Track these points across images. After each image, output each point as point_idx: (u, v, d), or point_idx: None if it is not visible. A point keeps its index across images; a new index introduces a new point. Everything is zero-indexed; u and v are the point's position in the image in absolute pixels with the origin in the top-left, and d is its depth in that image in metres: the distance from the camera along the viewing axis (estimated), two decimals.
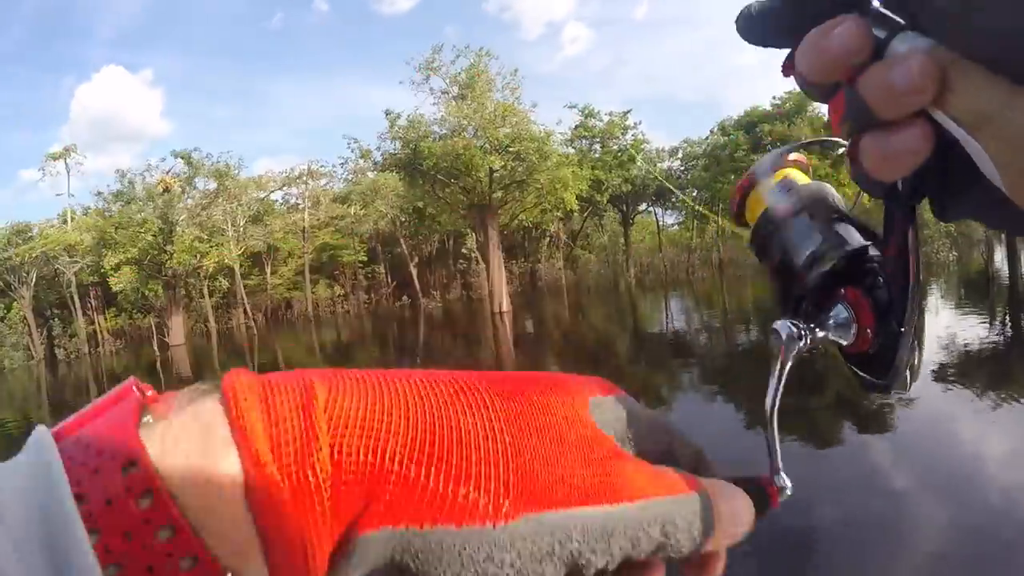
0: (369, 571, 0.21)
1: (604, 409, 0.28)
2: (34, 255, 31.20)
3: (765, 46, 0.31)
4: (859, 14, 0.25)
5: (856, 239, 0.35)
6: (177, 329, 31.12)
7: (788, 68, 0.28)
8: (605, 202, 34.71)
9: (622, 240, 42.69)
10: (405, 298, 40.79)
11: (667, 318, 20.10)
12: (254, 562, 0.20)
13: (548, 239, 43.48)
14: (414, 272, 40.07)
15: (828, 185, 0.39)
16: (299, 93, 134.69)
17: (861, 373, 0.35)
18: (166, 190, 30.50)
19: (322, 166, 39.17)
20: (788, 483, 0.31)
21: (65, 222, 34.51)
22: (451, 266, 44.21)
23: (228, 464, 0.20)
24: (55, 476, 0.19)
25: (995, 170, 0.23)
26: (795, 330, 0.33)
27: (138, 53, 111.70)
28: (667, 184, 22.91)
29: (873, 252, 0.35)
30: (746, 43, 0.29)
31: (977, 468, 4.62)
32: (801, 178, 0.40)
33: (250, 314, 35.85)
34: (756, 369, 9.53)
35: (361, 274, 42.77)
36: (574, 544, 0.23)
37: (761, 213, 0.39)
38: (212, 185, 32.83)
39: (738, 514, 0.28)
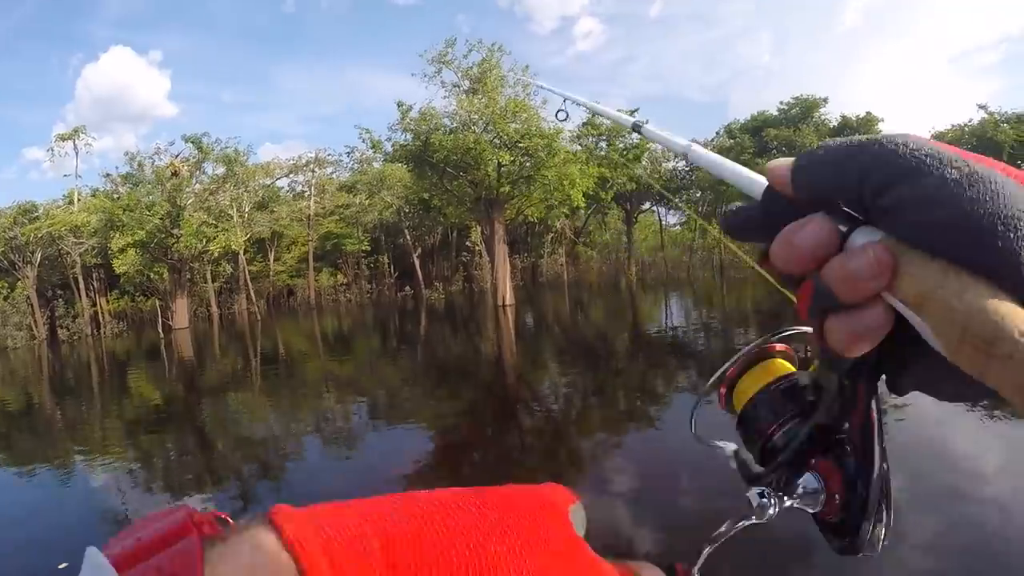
0: None
1: (577, 519, 0.32)
2: (40, 235, 31.34)
3: (746, 242, 0.36)
4: (825, 212, 0.30)
5: (827, 415, 0.38)
6: (181, 312, 31.30)
7: (764, 261, 0.32)
8: (610, 200, 34.90)
9: (624, 238, 42.91)
10: (408, 288, 41.00)
11: (666, 317, 20.34)
12: None
13: (552, 235, 43.68)
14: (417, 263, 40.26)
15: (805, 373, 0.43)
16: (306, 80, 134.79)
17: (830, 536, 0.37)
18: (175, 174, 30.63)
19: (329, 154, 39.37)
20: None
21: (71, 203, 34.62)
22: (453, 258, 44.40)
23: None
24: None
25: (938, 342, 0.26)
26: (764, 500, 0.37)
27: (147, 33, 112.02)
28: (666, 194, 23.17)
29: (843, 426, 0.38)
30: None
31: (967, 477, 4.85)
32: (783, 368, 0.44)
33: (253, 300, 36.06)
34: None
35: (364, 263, 42.95)
36: None
37: (750, 399, 0.44)
38: (220, 170, 32.97)
39: None
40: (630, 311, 23.34)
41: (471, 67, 24.18)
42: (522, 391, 10.59)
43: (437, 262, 44.58)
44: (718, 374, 0.46)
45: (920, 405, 6.07)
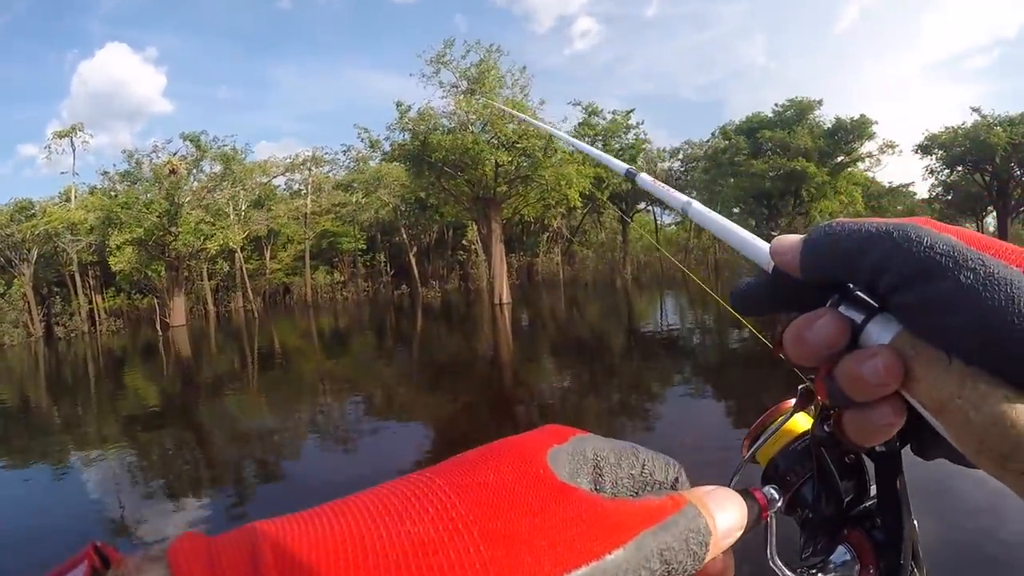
0: None
1: (564, 458, 0.28)
2: (36, 232, 31.34)
3: (757, 316, 0.36)
4: (838, 298, 0.29)
5: (855, 486, 0.39)
6: (178, 310, 31.36)
7: (778, 347, 0.31)
8: (605, 199, 35.07)
9: (620, 237, 43.10)
10: (404, 287, 41.11)
11: (661, 315, 20.51)
12: None
13: (548, 234, 43.83)
14: (413, 261, 40.37)
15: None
16: (302, 77, 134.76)
17: None
18: (173, 172, 30.63)
19: (326, 153, 39.47)
20: (777, 495, 0.33)
21: (68, 200, 34.63)
22: (449, 257, 44.52)
23: None
24: None
25: (956, 445, 0.26)
26: None
27: (143, 30, 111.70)
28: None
29: (871, 495, 0.38)
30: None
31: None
32: (806, 424, 0.42)
33: (250, 298, 36.13)
34: (740, 366, 9.95)
35: (360, 262, 43.04)
36: None
37: (779, 453, 0.42)
38: (218, 168, 33.00)
39: (730, 515, 0.28)
40: (625, 309, 23.51)
41: (469, 68, 24.31)
42: (519, 388, 10.74)
43: (433, 260, 44.69)
44: (745, 458, 0.44)
45: None
